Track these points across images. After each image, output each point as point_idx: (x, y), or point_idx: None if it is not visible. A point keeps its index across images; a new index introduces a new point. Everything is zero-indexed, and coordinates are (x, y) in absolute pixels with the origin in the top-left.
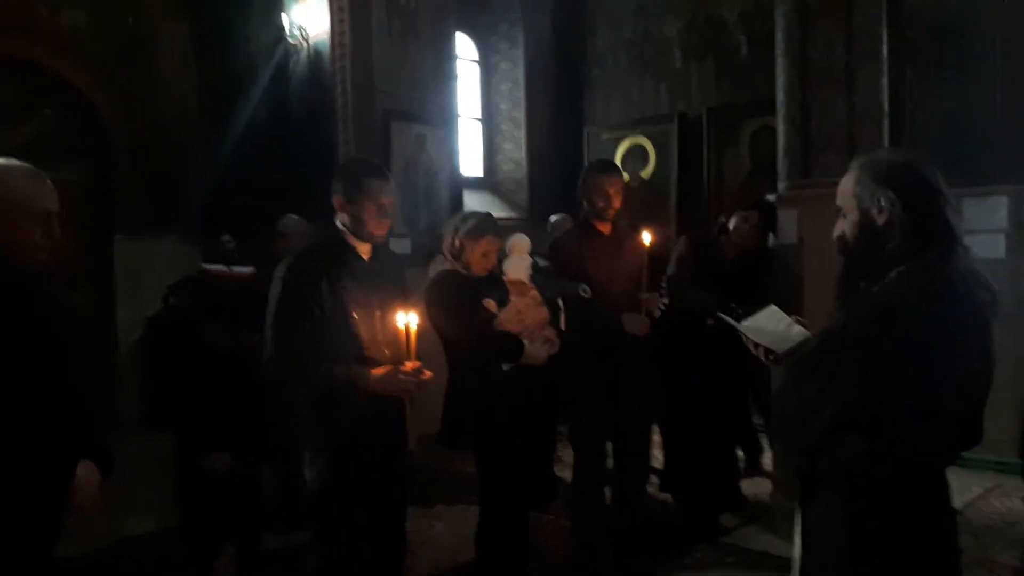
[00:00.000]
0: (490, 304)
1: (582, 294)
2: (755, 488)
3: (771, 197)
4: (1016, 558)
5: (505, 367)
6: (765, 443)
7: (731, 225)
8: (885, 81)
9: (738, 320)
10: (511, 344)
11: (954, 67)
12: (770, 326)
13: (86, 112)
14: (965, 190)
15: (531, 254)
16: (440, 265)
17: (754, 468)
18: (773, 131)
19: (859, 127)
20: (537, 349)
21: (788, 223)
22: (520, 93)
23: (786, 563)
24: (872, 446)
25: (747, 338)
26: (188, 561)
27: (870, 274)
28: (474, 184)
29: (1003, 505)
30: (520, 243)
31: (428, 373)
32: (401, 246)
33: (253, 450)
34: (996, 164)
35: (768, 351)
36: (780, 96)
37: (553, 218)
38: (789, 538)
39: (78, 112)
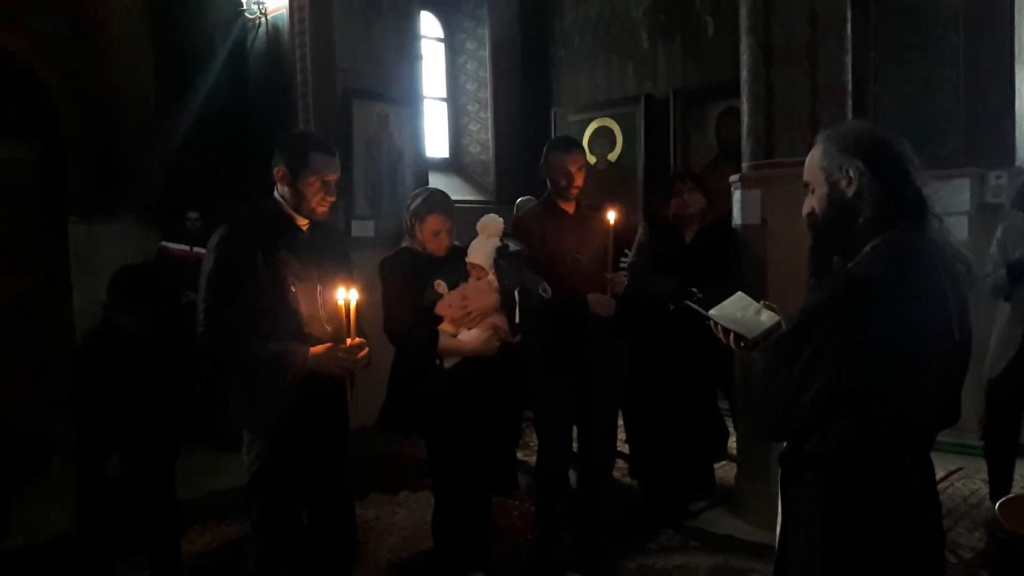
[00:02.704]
0: (440, 286)
1: (542, 294)
2: (720, 472)
3: (733, 179)
4: (980, 540)
5: (446, 364)
6: (731, 426)
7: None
8: (848, 60)
9: (700, 305)
10: (429, 336)
11: (917, 48)
12: (738, 313)
13: (32, 87)
14: (928, 173)
15: (503, 237)
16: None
17: (720, 452)
18: (739, 113)
19: (822, 107)
20: (476, 337)
21: (752, 203)
22: (486, 73)
23: (751, 546)
24: (858, 428)
25: (716, 326)
26: (83, 566)
27: (844, 249)
28: (440, 166)
29: (966, 488)
30: (490, 225)
31: (366, 350)
32: (364, 228)
33: (161, 451)
34: (959, 146)
35: (739, 338)
36: (744, 74)
37: (519, 200)
38: (754, 522)
39: (23, 87)
